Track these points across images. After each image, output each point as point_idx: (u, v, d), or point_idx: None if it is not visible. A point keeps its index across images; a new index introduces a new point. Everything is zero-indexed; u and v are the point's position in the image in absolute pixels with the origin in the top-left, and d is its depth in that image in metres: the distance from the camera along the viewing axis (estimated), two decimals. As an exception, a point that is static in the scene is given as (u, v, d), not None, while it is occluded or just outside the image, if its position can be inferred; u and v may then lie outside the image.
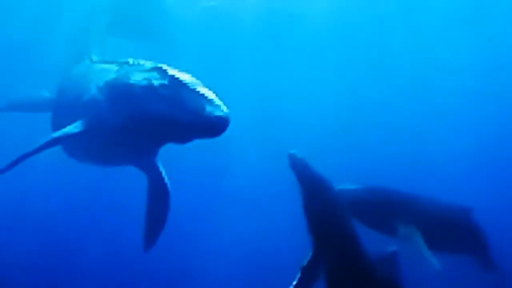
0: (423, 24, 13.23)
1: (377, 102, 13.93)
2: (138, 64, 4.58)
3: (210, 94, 3.93)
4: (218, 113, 3.83)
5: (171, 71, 4.17)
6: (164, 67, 4.25)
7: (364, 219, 5.80)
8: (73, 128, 4.78)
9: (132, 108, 4.32)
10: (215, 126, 3.88)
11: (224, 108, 3.87)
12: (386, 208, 6.01)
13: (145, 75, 4.32)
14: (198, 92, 3.95)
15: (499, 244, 7.09)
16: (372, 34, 13.36)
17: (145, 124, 4.27)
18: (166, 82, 4.12)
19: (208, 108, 3.85)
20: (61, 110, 5.64)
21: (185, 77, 4.09)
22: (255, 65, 12.96)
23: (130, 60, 4.70)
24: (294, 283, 4.42)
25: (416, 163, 12.50)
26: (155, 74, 4.26)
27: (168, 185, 5.40)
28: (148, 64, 4.48)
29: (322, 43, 13.22)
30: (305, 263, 4.43)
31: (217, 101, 3.89)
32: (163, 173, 5.39)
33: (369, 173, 7.64)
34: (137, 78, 4.35)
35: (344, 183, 5.60)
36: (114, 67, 4.80)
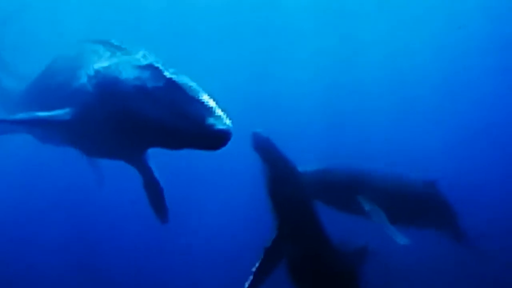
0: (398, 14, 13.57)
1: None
2: (131, 53, 4.20)
3: (210, 102, 3.50)
4: (220, 126, 3.41)
5: (167, 72, 3.74)
6: (160, 66, 3.81)
7: (327, 200, 5.85)
8: (61, 114, 4.40)
9: (120, 106, 3.92)
10: (215, 140, 3.46)
11: (227, 121, 3.44)
12: (349, 187, 6.00)
13: (138, 72, 3.89)
14: (198, 99, 3.52)
15: (468, 215, 7.24)
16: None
17: (134, 126, 3.88)
18: (161, 84, 3.70)
19: (209, 119, 3.43)
20: (46, 92, 5.15)
21: (183, 80, 3.66)
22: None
23: (123, 46, 4.38)
24: (257, 264, 4.45)
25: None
26: (149, 73, 3.83)
27: (157, 179, 5.24)
28: (141, 55, 4.08)
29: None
30: (268, 244, 4.44)
31: (219, 112, 3.47)
32: (151, 169, 5.18)
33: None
34: (129, 74, 3.93)
35: (306, 164, 5.59)
36: (106, 52, 4.43)
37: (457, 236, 7.13)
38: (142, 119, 3.76)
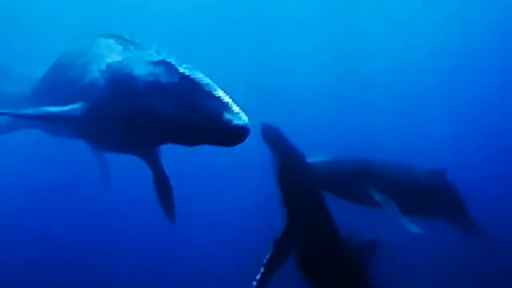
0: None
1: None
2: (143, 48, 4.16)
3: (226, 98, 3.46)
4: (238, 121, 3.36)
5: (182, 68, 3.67)
6: (173, 61, 3.74)
7: (336, 190, 5.82)
8: (72, 109, 4.30)
9: (134, 102, 3.85)
10: (234, 136, 3.41)
11: (244, 117, 3.39)
12: (357, 178, 5.97)
13: (152, 68, 3.82)
14: (214, 94, 3.47)
15: (479, 206, 7.20)
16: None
17: (149, 122, 3.80)
18: (176, 80, 3.64)
19: (227, 115, 3.38)
20: (56, 87, 5.05)
21: (197, 75, 3.60)
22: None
23: (135, 41, 4.32)
24: (267, 256, 4.42)
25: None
26: (163, 68, 3.76)
27: (167, 176, 5.18)
28: (154, 50, 4.04)
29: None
30: (278, 235, 4.42)
31: (236, 107, 3.42)
32: (162, 165, 5.11)
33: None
34: (142, 70, 3.86)
35: (315, 155, 5.55)
36: (118, 46, 4.37)
37: (467, 227, 7.10)
38: (157, 115, 3.71)
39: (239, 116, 3.38)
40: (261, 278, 4.39)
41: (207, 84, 3.54)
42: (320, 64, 14.29)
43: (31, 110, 4.55)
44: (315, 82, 14.22)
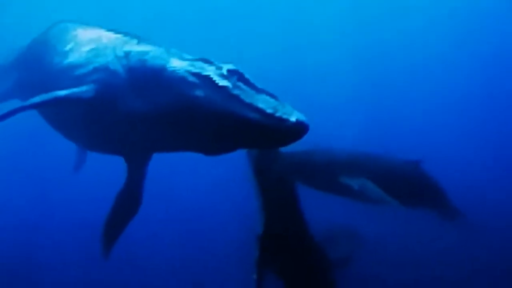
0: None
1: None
2: (158, 44, 3.93)
3: (275, 96, 3.34)
4: (297, 117, 3.18)
5: (224, 65, 3.50)
6: (211, 59, 3.57)
7: (311, 181, 5.81)
8: (83, 91, 3.94)
9: (173, 96, 3.52)
10: (295, 132, 3.20)
11: (300, 113, 3.23)
12: (332, 168, 5.94)
13: (192, 64, 3.58)
14: (264, 92, 3.34)
15: (461, 194, 7.22)
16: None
17: (194, 121, 3.47)
18: (224, 72, 3.45)
19: (283, 110, 3.21)
20: (42, 68, 4.68)
21: (243, 73, 3.46)
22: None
23: (143, 37, 4.08)
24: (257, 253, 4.28)
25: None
26: (205, 64, 3.56)
27: (141, 191, 4.63)
28: (170, 48, 3.84)
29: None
30: (260, 230, 4.29)
31: (287, 104, 3.27)
32: (144, 177, 4.60)
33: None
34: (178, 65, 3.60)
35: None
36: (130, 39, 4.11)
37: (448, 215, 7.12)
38: (205, 110, 3.40)
39: (294, 111, 3.22)
40: (258, 277, 4.25)
41: (253, 82, 3.42)
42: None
43: (39, 99, 4.07)
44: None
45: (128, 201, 4.63)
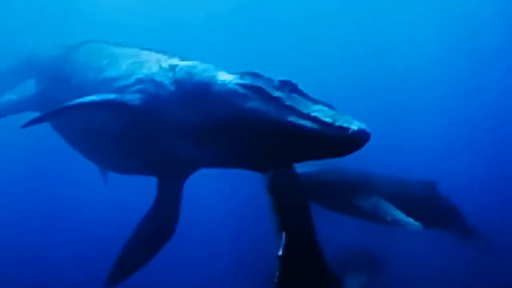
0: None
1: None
2: (191, 59, 3.88)
3: (331, 106, 3.24)
4: (358, 125, 3.07)
5: (275, 78, 3.41)
6: (260, 73, 3.50)
7: (327, 201, 5.76)
8: (129, 99, 3.83)
9: (223, 110, 3.42)
10: (357, 141, 3.07)
11: (360, 122, 3.12)
12: (349, 189, 5.89)
13: (241, 77, 3.51)
14: (321, 101, 3.26)
15: (475, 214, 7.15)
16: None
17: (241, 132, 3.38)
18: (276, 83, 3.37)
19: (343, 119, 3.10)
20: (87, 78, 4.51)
21: (298, 85, 3.36)
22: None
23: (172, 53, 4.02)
24: (277, 274, 4.08)
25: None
26: (254, 77, 3.48)
27: (178, 216, 4.35)
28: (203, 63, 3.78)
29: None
30: (281, 252, 4.11)
31: (345, 114, 3.17)
32: (180, 199, 4.34)
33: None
34: (228, 78, 3.53)
35: (304, 165, 5.50)
36: (163, 54, 4.08)
37: (464, 236, 7.05)
38: (264, 126, 3.28)
39: (354, 121, 3.11)
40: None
41: (308, 93, 3.33)
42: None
43: (86, 100, 3.92)
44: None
45: (158, 227, 4.32)
